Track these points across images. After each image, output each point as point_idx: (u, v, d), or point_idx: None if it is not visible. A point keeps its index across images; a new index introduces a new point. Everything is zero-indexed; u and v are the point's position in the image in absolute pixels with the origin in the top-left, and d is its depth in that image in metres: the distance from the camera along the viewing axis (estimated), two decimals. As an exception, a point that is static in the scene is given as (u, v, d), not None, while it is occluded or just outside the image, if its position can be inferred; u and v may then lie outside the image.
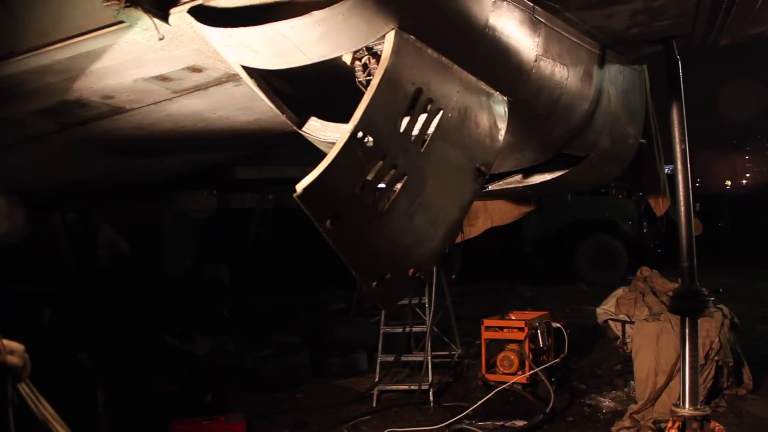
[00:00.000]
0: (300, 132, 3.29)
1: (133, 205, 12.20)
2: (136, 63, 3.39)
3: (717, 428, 3.88)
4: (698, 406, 3.88)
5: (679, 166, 4.06)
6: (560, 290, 13.23)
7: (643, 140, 5.42)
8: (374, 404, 7.62)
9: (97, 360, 6.54)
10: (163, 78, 3.66)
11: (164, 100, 4.08)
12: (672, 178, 4.73)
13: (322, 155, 2.33)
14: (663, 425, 5.59)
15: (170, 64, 3.45)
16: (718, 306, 7.02)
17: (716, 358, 6.91)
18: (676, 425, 3.86)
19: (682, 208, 4.00)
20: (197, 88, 3.89)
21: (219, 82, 3.80)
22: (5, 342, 1.85)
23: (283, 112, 3.20)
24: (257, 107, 4.22)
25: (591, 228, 15.21)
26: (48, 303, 11.04)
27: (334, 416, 7.33)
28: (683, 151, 4.05)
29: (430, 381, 7.59)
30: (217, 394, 7.57)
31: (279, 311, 12.51)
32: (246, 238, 15.44)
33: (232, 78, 3.71)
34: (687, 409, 3.87)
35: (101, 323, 10.09)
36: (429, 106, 2.60)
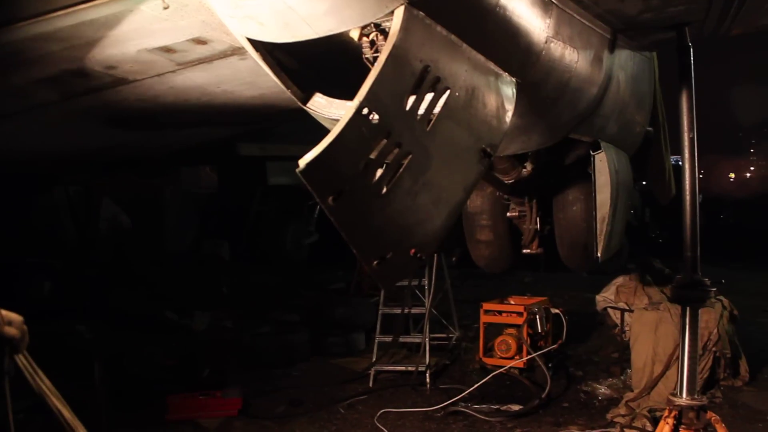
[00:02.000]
0: (305, 108, 3.24)
1: (136, 180, 12.19)
2: (140, 33, 3.35)
3: (713, 418, 3.88)
4: (695, 396, 3.87)
5: (687, 156, 4.01)
6: (560, 276, 13.20)
7: (650, 128, 5.37)
8: (371, 384, 7.66)
9: (95, 333, 6.54)
10: (167, 49, 3.62)
11: (168, 72, 4.04)
12: (677, 167, 4.70)
13: (326, 133, 2.29)
14: (659, 414, 5.61)
15: (175, 35, 3.40)
16: (718, 297, 7.02)
17: (714, 349, 6.93)
18: (672, 414, 3.85)
19: (688, 198, 3.96)
20: (202, 61, 3.85)
21: (224, 55, 3.75)
22: (3, 312, 1.82)
23: (288, 88, 3.15)
24: (262, 82, 4.17)
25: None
26: (48, 275, 11.06)
27: (331, 395, 7.37)
28: (691, 140, 4.01)
29: (427, 363, 7.62)
30: (214, 370, 7.61)
31: (278, 289, 12.52)
32: (248, 216, 15.41)
33: (237, 51, 3.67)
34: (684, 399, 3.87)
35: (101, 296, 10.11)
36: (436, 85, 2.55)
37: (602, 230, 4.59)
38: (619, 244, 5.15)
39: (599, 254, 4.64)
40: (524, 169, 5.10)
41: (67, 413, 2.02)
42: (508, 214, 5.72)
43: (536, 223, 5.59)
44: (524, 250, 5.83)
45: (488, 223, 5.84)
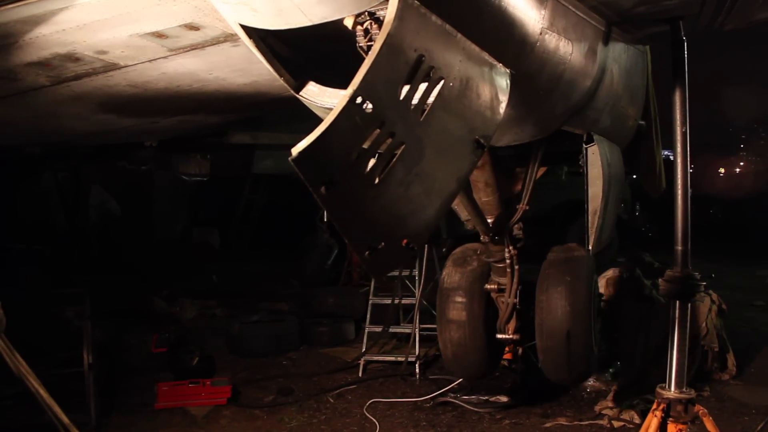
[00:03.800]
0: (297, 96, 3.22)
1: (126, 166, 12.10)
2: (132, 17, 3.30)
3: (700, 411, 3.91)
4: (683, 389, 3.91)
5: (679, 149, 4.02)
6: (550, 269, 13.26)
7: (642, 122, 5.38)
8: (360, 374, 7.67)
9: (84, 320, 6.51)
10: (158, 35, 3.57)
11: (160, 58, 3.99)
12: (668, 161, 4.71)
13: (319, 122, 2.27)
14: (647, 407, 5.64)
15: (167, 20, 3.36)
16: (707, 292, 7.06)
17: (702, 343, 6.97)
18: (660, 407, 3.88)
19: (679, 192, 3.97)
20: (194, 47, 3.81)
21: (216, 41, 3.71)
22: None
23: (281, 75, 3.12)
24: (254, 69, 4.14)
25: (584, 208, 15.19)
26: (37, 261, 10.99)
27: (320, 384, 7.38)
28: (683, 134, 4.02)
29: (416, 353, 7.64)
30: (203, 358, 7.60)
31: (268, 278, 12.50)
32: (238, 204, 15.37)
33: (230, 38, 3.63)
34: (672, 392, 3.90)
35: (90, 283, 10.07)
36: (430, 75, 2.54)
37: (594, 223, 4.59)
38: (610, 238, 5.14)
39: (591, 246, 4.64)
40: (510, 251, 5.24)
41: (43, 393, 2.04)
42: (487, 286, 5.52)
43: (516, 296, 5.36)
44: (498, 335, 5.52)
45: (463, 301, 5.49)
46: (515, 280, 5.33)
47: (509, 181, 5.38)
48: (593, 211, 4.57)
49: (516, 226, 5.25)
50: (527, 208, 5.20)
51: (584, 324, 4.99)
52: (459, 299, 5.50)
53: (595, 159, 4.43)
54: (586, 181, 4.51)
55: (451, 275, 5.65)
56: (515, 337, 5.50)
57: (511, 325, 5.51)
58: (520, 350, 6.45)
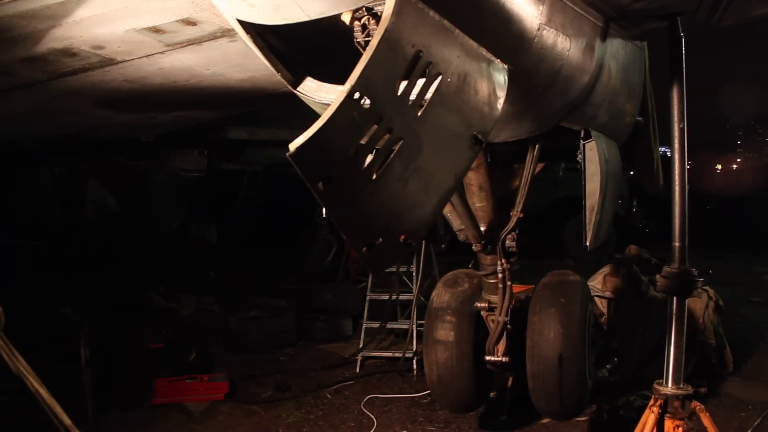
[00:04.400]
0: (295, 92, 3.22)
1: (123, 162, 12.09)
2: (128, 12, 3.29)
3: (697, 407, 3.91)
4: (680, 385, 3.91)
5: (676, 146, 4.01)
6: (548, 265, 13.25)
7: (640, 118, 5.38)
8: (357, 370, 7.68)
9: (81, 315, 6.51)
10: (155, 30, 3.56)
11: (156, 54, 3.98)
12: (665, 157, 4.71)
13: (316, 117, 2.27)
14: (644, 402, 5.65)
15: (163, 15, 3.35)
16: (703, 288, 7.08)
17: (699, 339, 6.99)
18: (657, 403, 3.88)
19: (677, 188, 3.97)
20: (191, 42, 3.79)
21: (213, 36, 3.70)
22: None
23: (278, 71, 3.12)
24: (252, 65, 4.13)
25: (581, 204, 15.20)
26: (34, 257, 10.98)
27: (317, 380, 7.39)
28: (681, 131, 4.01)
29: (414, 349, 7.64)
30: (200, 354, 7.61)
31: (266, 274, 12.50)
32: (235, 200, 15.36)
33: (227, 33, 3.62)
34: (669, 388, 3.90)
35: (87, 279, 10.06)
36: (428, 70, 2.53)
37: (591, 219, 4.56)
38: (607, 234, 5.07)
39: (588, 243, 4.62)
40: None
41: (44, 392, 2.02)
42: (477, 304, 5.23)
43: (507, 315, 5.03)
44: (487, 357, 5.15)
45: (452, 320, 5.22)
46: (507, 297, 5.04)
47: (503, 186, 5.24)
48: (591, 207, 4.55)
49: (509, 236, 4.98)
50: (522, 215, 4.91)
51: (578, 349, 4.78)
52: (448, 318, 5.25)
53: (593, 155, 4.41)
54: (584, 177, 4.49)
55: (440, 295, 5.44)
56: (505, 359, 5.13)
57: (501, 346, 5.16)
58: (510, 381, 6.02)
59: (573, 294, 4.98)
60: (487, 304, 5.21)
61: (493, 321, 5.15)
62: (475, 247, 5.10)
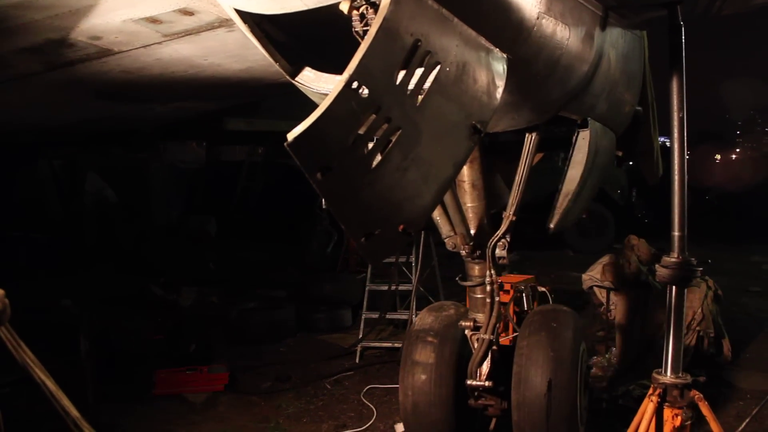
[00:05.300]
0: (293, 82, 3.21)
1: (121, 154, 12.08)
2: (125, 2, 3.29)
3: (696, 396, 3.92)
4: (679, 375, 3.92)
5: (676, 135, 4.00)
6: (547, 255, 13.29)
7: (639, 108, 5.36)
8: (357, 360, 7.69)
9: (81, 307, 6.51)
10: (153, 20, 3.55)
11: (154, 44, 3.97)
12: (665, 147, 4.70)
13: (315, 107, 2.26)
14: (643, 392, 5.66)
15: (161, 5, 3.34)
16: (702, 277, 7.08)
17: (698, 328, 7.00)
18: (656, 392, 3.89)
19: (676, 178, 3.96)
20: (188, 33, 3.78)
21: (211, 26, 3.69)
22: None
23: (276, 61, 3.11)
24: (250, 55, 4.12)
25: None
26: (33, 249, 10.97)
27: (317, 371, 7.40)
28: (681, 120, 3.99)
29: (413, 340, 7.63)
30: (200, 345, 7.62)
31: (266, 265, 12.50)
32: (234, 191, 15.33)
33: (225, 23, 3.61)
34: (668, 377, 3.91)
35: (86, 271, 10.06)
36: (427, 59, 2.52)
37: (561, 205, 4.50)
38: (574, 222, 4.88)
39: (552, 225, 4.52)
40: None
41: (51, 384, 2.01)
42: (462, 323, 4.87)
43: (493, 333, 4.65)
44: (468, 381, 4.65)
45: (433, 342, 4.78)
46: (494, 313, 4.63)
47: (497, 184, 5.08)
48: (565, 194, 4.48)
49: (500, 244, 4.57)
50: (514, 218, 4.52)
51: (569, 376, 4.39)
52: (429, 340, 4.80)
53: (583, 144, 4.37)
54: (568, 162, 4.47)
55: (423, 318, 5.04)
56: (487, 384, 4.64)
57: (485, 368, 4.69)
58: (493, 424, 5.15)
59: (566, 321, 4.68)
60: (472, 323, 4.85)
61: (477, 340, 4.75)
62: (463, 250, 4.83)
